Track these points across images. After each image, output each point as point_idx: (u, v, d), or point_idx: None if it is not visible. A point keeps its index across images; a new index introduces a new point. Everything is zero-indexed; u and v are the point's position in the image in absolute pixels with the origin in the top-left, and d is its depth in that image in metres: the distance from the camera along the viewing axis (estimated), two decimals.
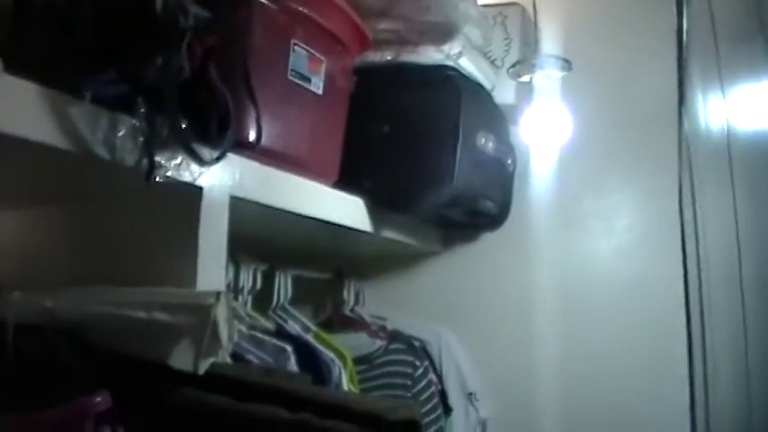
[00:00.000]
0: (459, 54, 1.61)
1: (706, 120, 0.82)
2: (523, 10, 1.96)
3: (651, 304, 1.89)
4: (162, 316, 0.83)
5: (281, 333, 1.51)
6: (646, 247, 1.93)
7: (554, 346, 1.95)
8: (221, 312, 0.86)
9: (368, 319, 1.97)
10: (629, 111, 1.94)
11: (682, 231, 1.86)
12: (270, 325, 1.53)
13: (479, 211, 1.84)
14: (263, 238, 1.53)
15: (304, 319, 1.69)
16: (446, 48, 1.59)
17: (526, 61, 1.71)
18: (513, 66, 1.77)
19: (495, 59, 1.89)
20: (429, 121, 1.60)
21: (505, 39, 1.90)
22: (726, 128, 0.54)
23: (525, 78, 1.73)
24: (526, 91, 1.90)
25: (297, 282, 1.71)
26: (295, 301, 1.71)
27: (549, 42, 1.73)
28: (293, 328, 1.60)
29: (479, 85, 1.74)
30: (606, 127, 1.96)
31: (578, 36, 1.98)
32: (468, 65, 1.66)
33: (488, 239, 2.09)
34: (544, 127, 1.87)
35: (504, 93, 1.88)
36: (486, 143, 1.72)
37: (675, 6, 0.87)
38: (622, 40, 1.97)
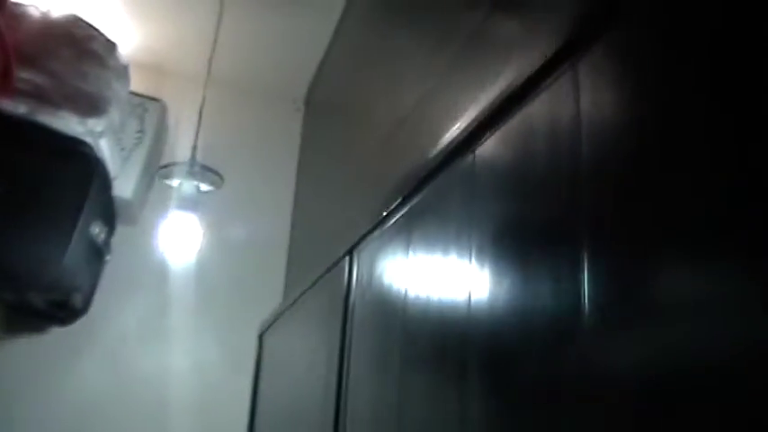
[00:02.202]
0: (101, 134, 1.48)
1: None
2: (164, 108, 1.89)
3: (217, 419, 1.87)
4: None
5: None
6: (222, 369, 1.92)
7: None
8: None
9: None
10: (253, 240, 1.97)
11: (258, 361, 1.90)
12: None
13: (67, 303, 1.64)
14: None
15: None
16: (90, 122, 1.45)
17: (180, 165, 1.62)
18: (166, 166, 1.67)
19: (123, 149, 1.76)
20: (52, 194, 1.40)
21: (138, 131, 1.80)
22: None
23: (173, 183, 1.63)
24: (144, 189, 1.80)
25: None
26: None
27: (200, 152, 1.66)
28: None
29: (107, 172, 1.60)
30: (226, 249, 1.96)
31: (228, 155, 1.98)
32: (105, 147, 1.53)
33: (57, 334, 1.84)
34: (168, 234, 1.77)
35: (123, 186, 1.75)
36: (99, 234, 1.57)
37: None
38: (269, 170, 2.04)
